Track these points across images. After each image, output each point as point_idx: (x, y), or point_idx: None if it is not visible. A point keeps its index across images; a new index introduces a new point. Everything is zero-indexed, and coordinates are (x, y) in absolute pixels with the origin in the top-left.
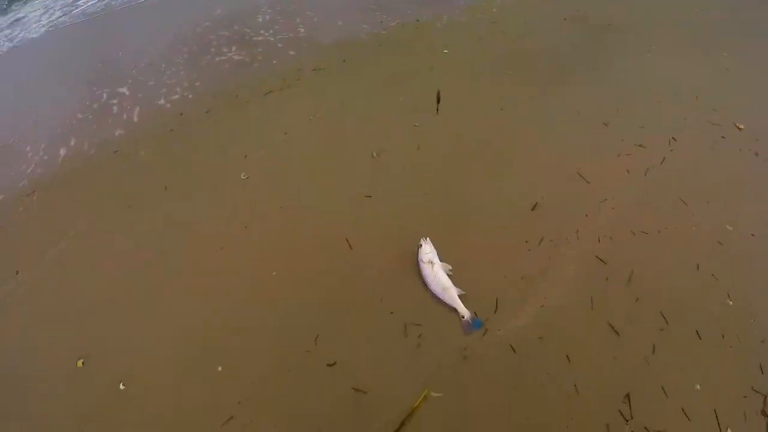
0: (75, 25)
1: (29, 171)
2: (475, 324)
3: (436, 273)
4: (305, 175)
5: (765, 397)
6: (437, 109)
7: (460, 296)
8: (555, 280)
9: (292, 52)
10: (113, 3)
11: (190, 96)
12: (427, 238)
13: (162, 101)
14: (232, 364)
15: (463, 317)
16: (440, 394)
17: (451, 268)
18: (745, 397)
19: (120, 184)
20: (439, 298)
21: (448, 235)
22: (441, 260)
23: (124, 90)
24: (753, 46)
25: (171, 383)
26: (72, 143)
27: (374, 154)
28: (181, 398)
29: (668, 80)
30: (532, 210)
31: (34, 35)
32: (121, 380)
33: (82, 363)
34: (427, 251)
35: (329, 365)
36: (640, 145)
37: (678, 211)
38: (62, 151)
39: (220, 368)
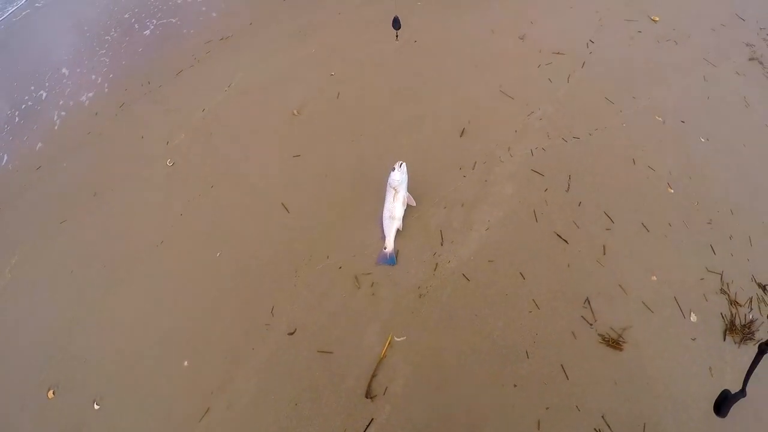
0: None
1: None
2: (391, 260)
3: (395, 201)
4: (231, 149)
5: (721, 275)
6: (396, 36)
7: (396, 231)
8: (495, 201)
9: (197, 26)
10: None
11: (106, 90)
12: (403, 164)
13: (78, 102)
14: (196, 355)
15: (385, 248)
16: (404, 338)
17: (414, 203)
18: (702, 279)
19: (50, 200)
20: (381, 223)
21: (381, 174)
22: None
23: (37, 99)
24: None
25: (142, 390)
26: None
27: (295, 112)
28: (155, 402)
29: None
30: (461, 136)
31: None
32: (94, 400)
33: (53, 393)
34: (396, 178)
35: (290, 334)
36: (559, 53)
37: (605, 111)
38: None
39: (186, 363)
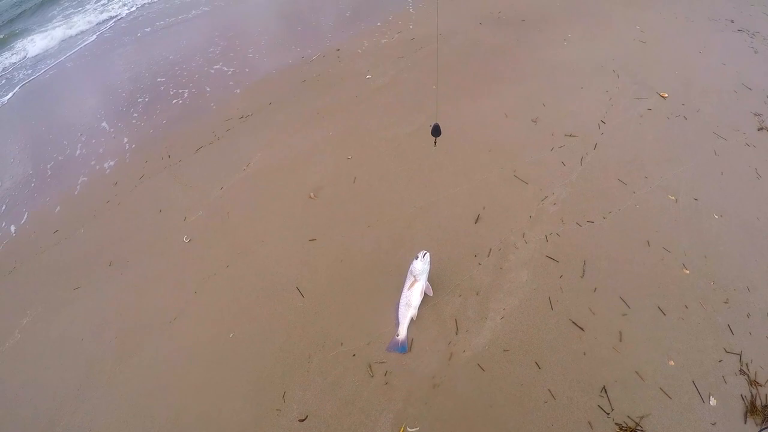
0: None
1: None
2: (402, 348)
3: (413, 289)
4: (247, 229)
5: (740, 355)
6: (435, 143)
7: (411, 320)
8: (510, 289)
9: (217, 103)
10: (29, 76)
11: (127, 160)
12: (426, 255)
13: (100, 169)
14: None
15: (398, 335)
16: (417, 429)
17: (431, 293)
18: (721, 361)
19: (65, 265)
20: (397, 309)
21: (397, 261)
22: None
23: (58, 163)
24: (663, 16)
25: None
26: (11, 226)
27: (312, 195)
28: None
29: (588, 64)
30: (476, 223)
31: None
32: None
33: None
34: (418, 268)
35: (301, 420)
36: (571, 135)
37: (619, 193)
38: (1, 235)
39: None
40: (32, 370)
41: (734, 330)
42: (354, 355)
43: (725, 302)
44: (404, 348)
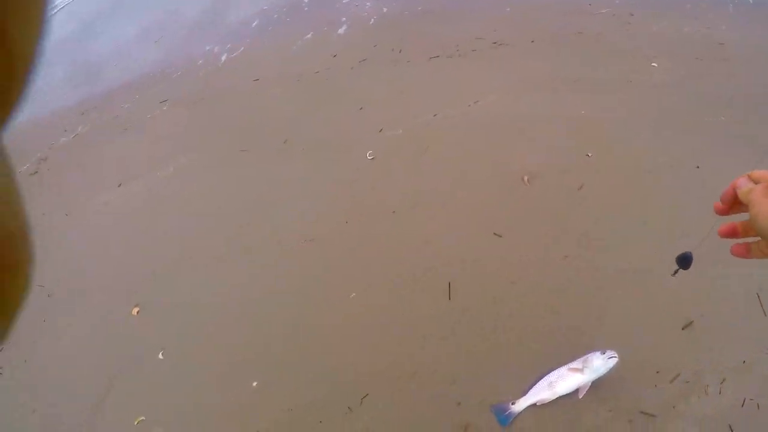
0: None
1: None
2: (505, 419)
3: (570, 375)
4: None
5: None
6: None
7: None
8: None
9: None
10: None
11: None
12: (613, 358)
13: None
14: None
15: (513, 403)
16: None
17: (581, 395)
18: None
19: None
20: (539, 378)
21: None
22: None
23: None
24: None
25: None
26: None
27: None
28: None
29: None
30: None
31: None
32: None
33: None
34: (593, 363)
35: None
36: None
37: None
38: None
39: None
40: None
41: None
42: None
43: None
44: (506, 421)
